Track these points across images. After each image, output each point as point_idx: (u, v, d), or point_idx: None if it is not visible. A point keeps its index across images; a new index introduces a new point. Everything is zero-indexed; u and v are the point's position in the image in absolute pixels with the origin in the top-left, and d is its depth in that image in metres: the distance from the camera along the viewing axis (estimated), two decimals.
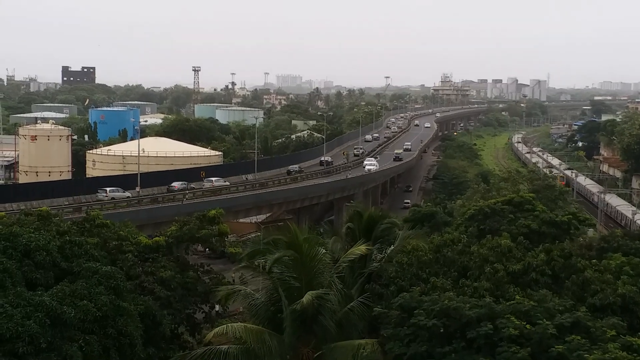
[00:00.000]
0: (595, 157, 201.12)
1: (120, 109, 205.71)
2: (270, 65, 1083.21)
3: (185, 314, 42.43)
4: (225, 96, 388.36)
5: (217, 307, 45.00)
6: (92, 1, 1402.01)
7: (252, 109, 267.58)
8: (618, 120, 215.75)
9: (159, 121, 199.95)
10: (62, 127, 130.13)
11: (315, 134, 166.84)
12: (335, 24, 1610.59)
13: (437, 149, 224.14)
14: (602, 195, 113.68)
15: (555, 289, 36.63)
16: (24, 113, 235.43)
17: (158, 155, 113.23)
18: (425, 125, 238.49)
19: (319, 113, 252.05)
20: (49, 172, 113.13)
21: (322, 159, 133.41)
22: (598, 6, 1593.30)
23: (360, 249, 32.71)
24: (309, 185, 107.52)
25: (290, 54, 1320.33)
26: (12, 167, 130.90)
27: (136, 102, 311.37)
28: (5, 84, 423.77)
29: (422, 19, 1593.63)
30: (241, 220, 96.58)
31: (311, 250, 27.93)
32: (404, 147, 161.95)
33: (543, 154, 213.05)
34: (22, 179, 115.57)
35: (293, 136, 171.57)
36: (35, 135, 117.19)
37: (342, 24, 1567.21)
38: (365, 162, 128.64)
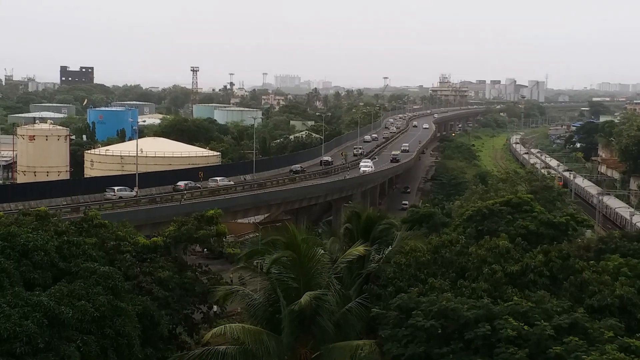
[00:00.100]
0: (593, 158, 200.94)
1: (118, 109, 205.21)
2: (269, 66, 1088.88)
3: (183, 315, 42.45)
4: (223, 96, 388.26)
5: (215, 308, 45.03)
6: (92, 1, 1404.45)
7: (250, 109, 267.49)
8: (616, 121, 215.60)
9: (157, 121, 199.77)
10: (60, 127, 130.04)
11: (314, 134, 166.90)
12: (335, 24, 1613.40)
13: (435, 150, 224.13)
14: (600, 197, 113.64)
15: (553, 290, 36.66)
16: (22, 113, 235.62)
17: (156, 155, 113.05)
18: (424, 126, 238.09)
19: (317, 113, 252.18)
20: (47, 172, 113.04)
21: (322, 159, 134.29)
22: (598, 6, 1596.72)
23: (359, 249, 32.75)
24: (307, 185, 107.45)
25: (289, 54, 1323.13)
26: (10, 167, 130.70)
27: (134, 102, 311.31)
28: (4, 83, 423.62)
29: (422, 19, 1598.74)
30: (239, 220, 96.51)
31: (309, 250, 27.96)
32: (402, 148, 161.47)
33: (541, 155, 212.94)
34: (20, 178, 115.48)
35: (291, 137, 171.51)
36: (34, 135, 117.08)
37: (342, 24, 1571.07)
38: (360, 164, 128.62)
